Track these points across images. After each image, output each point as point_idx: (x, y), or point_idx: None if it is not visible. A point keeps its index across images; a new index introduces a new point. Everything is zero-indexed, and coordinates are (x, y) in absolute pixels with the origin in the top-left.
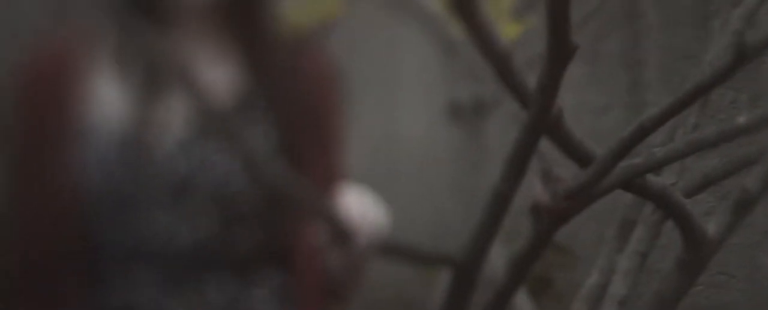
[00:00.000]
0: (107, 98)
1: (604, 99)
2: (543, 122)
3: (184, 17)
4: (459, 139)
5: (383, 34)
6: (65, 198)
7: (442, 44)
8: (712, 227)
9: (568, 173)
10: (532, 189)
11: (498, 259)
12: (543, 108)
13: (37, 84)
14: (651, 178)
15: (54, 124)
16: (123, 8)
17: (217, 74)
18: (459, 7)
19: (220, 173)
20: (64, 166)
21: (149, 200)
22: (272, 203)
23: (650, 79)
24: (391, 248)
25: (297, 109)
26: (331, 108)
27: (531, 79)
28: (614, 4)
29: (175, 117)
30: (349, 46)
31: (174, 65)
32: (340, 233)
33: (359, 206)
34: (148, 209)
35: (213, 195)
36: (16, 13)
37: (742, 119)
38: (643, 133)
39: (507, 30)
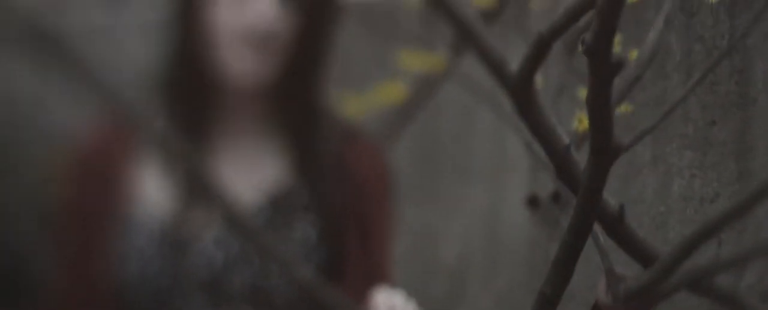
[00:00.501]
0: (149, 191)
1: (711, 188)
2: (589, 225)
3: (232, 105)
4: (537, 231)
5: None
6: (102, 288)
7: (522, 136)
8: None
9: (633, 272)
10: (596, 289)
11: None
12: (588, 210)
13: (85, 172)
14: (722, 279)
15: (97, 214)
16: (167, 102)
17: (261, 167)
18: (518, 102)
19: (256, 270)
20: (103, 256)
21: (184, 295)
22: (308, 303)
23: (759, 168)
24: None
25: (341, 206)
26: (377, 205)
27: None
28: (725, 90)
29: (213, 213)
30: (456, 128)
31: (206, 172)
32: None
33: (389, 306)
34: (182, 304)
35: (248, 292)
36: (52, 111)
37: None
38: (708, 233)
39: (584, 121)
